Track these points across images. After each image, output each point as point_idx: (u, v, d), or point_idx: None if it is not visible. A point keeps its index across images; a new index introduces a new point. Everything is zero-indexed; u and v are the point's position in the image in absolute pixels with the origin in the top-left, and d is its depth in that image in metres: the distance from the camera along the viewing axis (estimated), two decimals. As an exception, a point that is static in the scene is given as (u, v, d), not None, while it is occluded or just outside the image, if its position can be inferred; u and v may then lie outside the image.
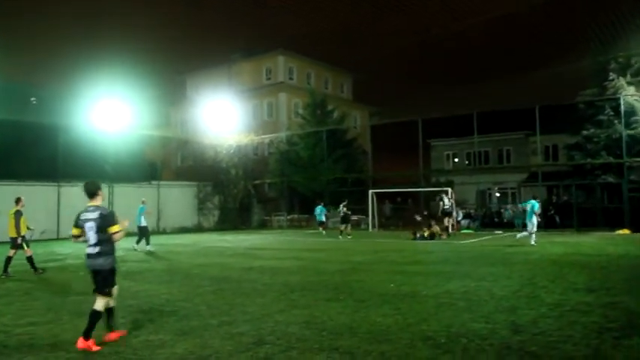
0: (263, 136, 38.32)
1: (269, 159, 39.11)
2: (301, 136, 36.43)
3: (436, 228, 21.52)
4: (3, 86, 32.27)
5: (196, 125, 39.51)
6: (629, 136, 25.32)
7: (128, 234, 7.22)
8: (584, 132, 27.88)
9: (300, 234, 27.13)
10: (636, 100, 26.62)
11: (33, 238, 15.65)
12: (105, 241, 5.65)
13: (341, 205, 24.11)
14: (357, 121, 49.90)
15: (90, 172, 25.34)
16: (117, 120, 29.55)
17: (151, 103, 43.22)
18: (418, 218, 25.34)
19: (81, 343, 5.32)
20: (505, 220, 30.18)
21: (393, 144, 38.44)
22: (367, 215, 29.36)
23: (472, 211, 32.07)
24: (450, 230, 22.63)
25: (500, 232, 25.78)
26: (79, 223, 5.72)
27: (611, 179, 26.19)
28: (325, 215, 27.42)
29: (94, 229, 5.61)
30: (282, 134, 38.33)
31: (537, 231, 17.59)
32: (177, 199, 31.90)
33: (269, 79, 46.45)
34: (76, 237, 5.82)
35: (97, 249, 5.63)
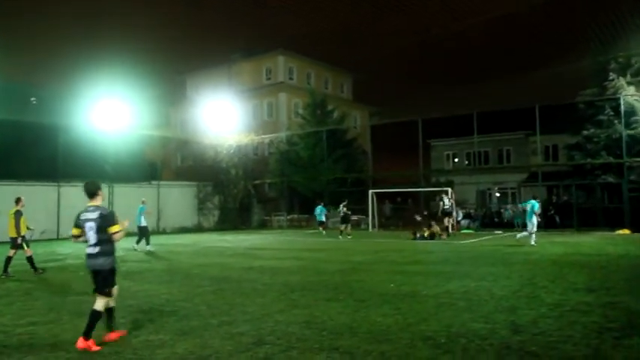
0: (263, 136, 38.32)
1: (269, 159, 39.11)
2: (301, 136, 36.42)
3: (436, 228, 21.52)
4: (3, 86, 32.26)
5: (196, 125, 39.49)
6: (629, 136, 25.32)
7: (128, 234, 7.22)
8: (584, 132, 27.87)
9: (300, 234, 27.13)
10: (636, 100, 26.61)
11: (33, 238, 15.66)
12: (105, 241, 5.65)
13: (341, 205, 24.11)
14: (357, 121, 49.89)
15: (90, 172, 25.33)
16: (117, 120, 29.54)
17: (150, 103, 43.23)
18: (418, 218, 25.34)
19: (81, 342, 5.32)
20: (505, 220, 30.19)
21: (393, 144, 38.47)
22: (367, 215, 29.36)
23: (472, 211, 32.07)
24: (450, 230, 22.63)
25: (500, 232, 25.78)
26: (79, 223, 5.72)
27: (611, 179, 26.19)
28: (325, 215, 27.43)
29: (94, 229, 5.61)
30: (282, 134, 38.32)
31: (537, 231, 17.59)
32: (177, 199, 31.90)
33: (269, 79, 46.45)
34: (76, 237, 5.81)
35: (97, 249, 5.63)
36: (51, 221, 24.04)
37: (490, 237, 22.49)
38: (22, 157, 26.53)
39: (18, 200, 11.60)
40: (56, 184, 25.44)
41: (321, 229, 26.52)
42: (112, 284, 5.75)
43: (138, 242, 17.80)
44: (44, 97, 38.93)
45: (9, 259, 11.44)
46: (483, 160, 41.67)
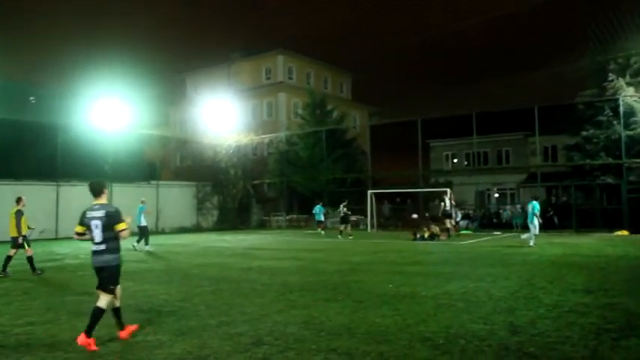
0: (262, 136, 38.32)
1: (268, 159, 39.10)
2: (300, 136, 36.42)
3: (435, 229, 21.52)
4: (2, 85, 32.21)
5: (196, 125, 39.49)
6: (628, 137, 25.33)
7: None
8: (584, 133, 27.87)
9: (299, 234, 27.13)
10: (635, 100, 26.62)
11: (31, 238, 15.62)
12: (111, 238, 5.67)
13: (341, 206, 24.12)
14: (357, 121, 49.90)
15: (89, 172, 25.31)
16: (116, 119, 29.52)
17: (150, 103, 43.19)
18: (414, 216, 25.31)
19: (82, 338, 5.33)
20: (504, 221, 30.22)
21: (393, 144, 38.44)
22: (366, 215, 29.36)
23: (471, 211, 32.08)
24: (450, 232, 22.61)
25: (498, 232, 25.79)
26: (84, 221, 5.71)
27: (610, 180, 26.19)
28: (324, 215, 27.43)
29: (100, 227, 5.62)
30: (282, 134, 38.32)
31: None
32: (176, 199, 31.88)
33: (268, 78, 46.45)
34: (80, 235, 5.80)
35: (102, 246, 5.64)
36: (50, 221, 24.02)
37: (489, 238, 22.50)
38: (21, 156, 26.52)
39: (19, 200, 11.59)
40: (55, 183, 25.43)
41: (319, 229, 26.52)
42: (117, 282, 5.77)
43: (138, 242, 17.79)
44: (43, 96, 38.86)
45: (9, 259, 11.43)
46: (482, 161, 41.68)
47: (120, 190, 26.88)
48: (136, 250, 17.09)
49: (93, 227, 5.64)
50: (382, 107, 51.20)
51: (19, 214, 11.41)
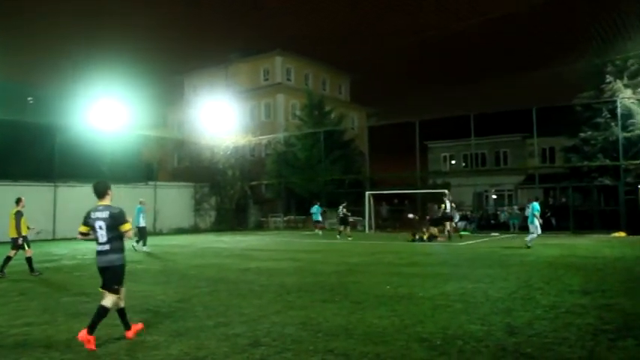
0: (260, 137, 38.30)
1: (266, 160, 39.07)
2: (299, 137, 36.42)
3: (434, 230, 21.51)
4: (0, 85, 32.16)
5: (193, 126, 39.45)
6: (625, 138, 25.38)
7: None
8: (581, 134, 27.92)
9: (296, 235, 27.11)
10: (633, 102, 26.68)
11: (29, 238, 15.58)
12: (115, 238, 5.68)
13: (341, 207, 24.12)
14: (355, 123, 49.93)
15: (86, 173, 25.29)
16: (114, 120, 29.50)
17: (148, 104, 43.19)
18: (410, 216, 25.31)
19: (83, 334, 5.35)
20: (501, 221, 30.27)
21: (391, 145, 38.48)
22: (364, 217, 29.37)
23: (469, 213, 32.12)
24: (450, 234, 22.55)
25: (496, 234, 25.83)
26: (88, 222, 5.71)
27: (607, 182, 26.24)
28: (321, 215, 27.44)
29: (104, 228, 5.63)
30: (280, 135, 38.31)
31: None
32: (174, 200, 31.85)
33: (267, 79, 46.46)
34: (84, 234, 5.80)
35: (107, 246, 5.65)
36: (47, 222, 23.95)
37: (487, 239, 22.53)
38: (18, 157, 26.39)
39: (18, 201, 11.58)
40: (52, 184, 25.37)
41: (316, 229, 26.52)
42: (122, 281, 5.77)
43: (138, 242, 17.77)
44: (41, 96, 38.76)
45: (8, 259, 11.41)
46: (480, 162, 41.73)
47: (117, 190, 26.75)
48: (135, 250, 17.08)
49: (97, 228, 5.65)
50: (380, 108, 51.24)
51: (18, 214, 11.39)
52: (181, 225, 31.86)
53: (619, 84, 27.22)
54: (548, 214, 27.73)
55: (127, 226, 5.70)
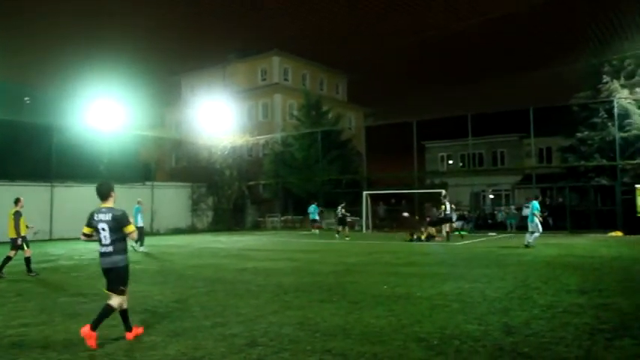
0: (258, 137, 38.30)
1: (263, 160, 39.09)
2: (296, 137, 36.43)
3: (432, 230, 21.52)
4: (-3, 86, 32.11)
5: (191, 126, 39.43)
6: (622, 138, 25.47)
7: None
8: (578, 134, 28.01)
9: (293, 235, 27.10)
10: (629, 103, 26.78)
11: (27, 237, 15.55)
12: (118, 240, 5.68)
13: (339, 207, 24.13)
14: (352, 123, 49.94)
15: (84, 173, 25.25)
16: (111, 120, 29.44)
17: (145, 104, 43.15)
18: (405, 214, 25.31)
19: (86, 330, 5.37)
20: (499, 221, 30.33)
21: (388, 145, 38.52)
22: (361, 217, 29.38)
23: (466, 212, 32.17)
24: (449, 235, 22.55)
25: (493, 233, 25.88)
26: (92, 223, 5.71)
27: (604, 182, 26.32)
28: (319, 214, 27.44)
29: (108, 230, 5.64)
30: (277, 135, 38.31)
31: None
32: (171, 200, 31.81)
33: (264, 79, 46.44)
34: (87, 236, 5.79)
35: (110, 248, 5.65)
36: (44, 222, 23.88)
37: (484, 239, 22.57)
38: (15, 157, 26.32)
39: (17, 201, 11.55)
40: (49, 184, 25.30)
41: (313, 229, 26.52)
42: (126, 282, 5.78)
43: (136, 242, 17.74)
44: (38, 96, 38.70)
45: (7, 259, 11.38)
46: (477, 162, 41.78)
47: (115, 191, 26.81)
48: (135, 250, 17.06)
49: (100, 230, 5.66)
50: (380, 108, 51.34)
51: (17, 215, 11.36)
52: (179, 225, 31.83)
53: (616, 84, 27.33)
54: (546, 214, 27.79)
55: (130, 228, 5.71)
